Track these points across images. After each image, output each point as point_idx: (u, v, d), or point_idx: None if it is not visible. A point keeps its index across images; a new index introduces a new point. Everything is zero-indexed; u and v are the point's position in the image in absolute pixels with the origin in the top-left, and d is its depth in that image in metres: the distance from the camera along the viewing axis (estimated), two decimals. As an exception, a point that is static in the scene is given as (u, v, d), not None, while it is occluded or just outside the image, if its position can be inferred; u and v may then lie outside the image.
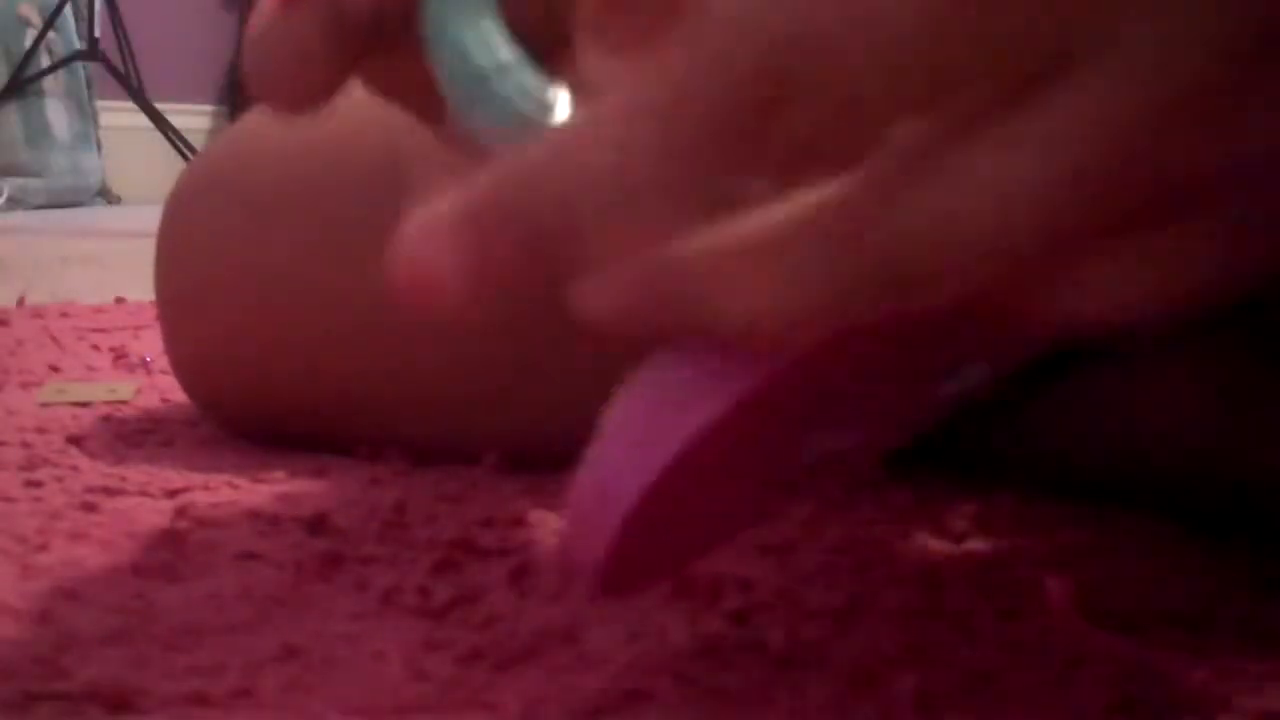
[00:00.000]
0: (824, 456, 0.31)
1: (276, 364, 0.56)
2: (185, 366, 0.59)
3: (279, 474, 0.51)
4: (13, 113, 2.69)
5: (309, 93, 0.31)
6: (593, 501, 0.24)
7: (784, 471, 0.31)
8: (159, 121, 2.64)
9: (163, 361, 0.78)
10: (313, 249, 0.55)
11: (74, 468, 0.52)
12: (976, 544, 0.43)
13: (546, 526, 0.45)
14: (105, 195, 2.94)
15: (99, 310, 1.03)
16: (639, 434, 0.24)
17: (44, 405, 0.65)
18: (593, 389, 0.53)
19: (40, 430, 0.59)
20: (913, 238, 0.21)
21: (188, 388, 0.60)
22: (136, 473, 0.51)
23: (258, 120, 0.59)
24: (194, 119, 3.05)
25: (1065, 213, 0.20)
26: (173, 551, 0.41)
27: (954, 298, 0.21)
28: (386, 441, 0.55)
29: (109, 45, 2.70)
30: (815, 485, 0.36)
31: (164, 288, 0.60)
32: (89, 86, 2.91)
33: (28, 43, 2.71)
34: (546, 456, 0.53)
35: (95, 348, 0.84)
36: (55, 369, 0.76)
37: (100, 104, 2.93)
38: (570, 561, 0.30)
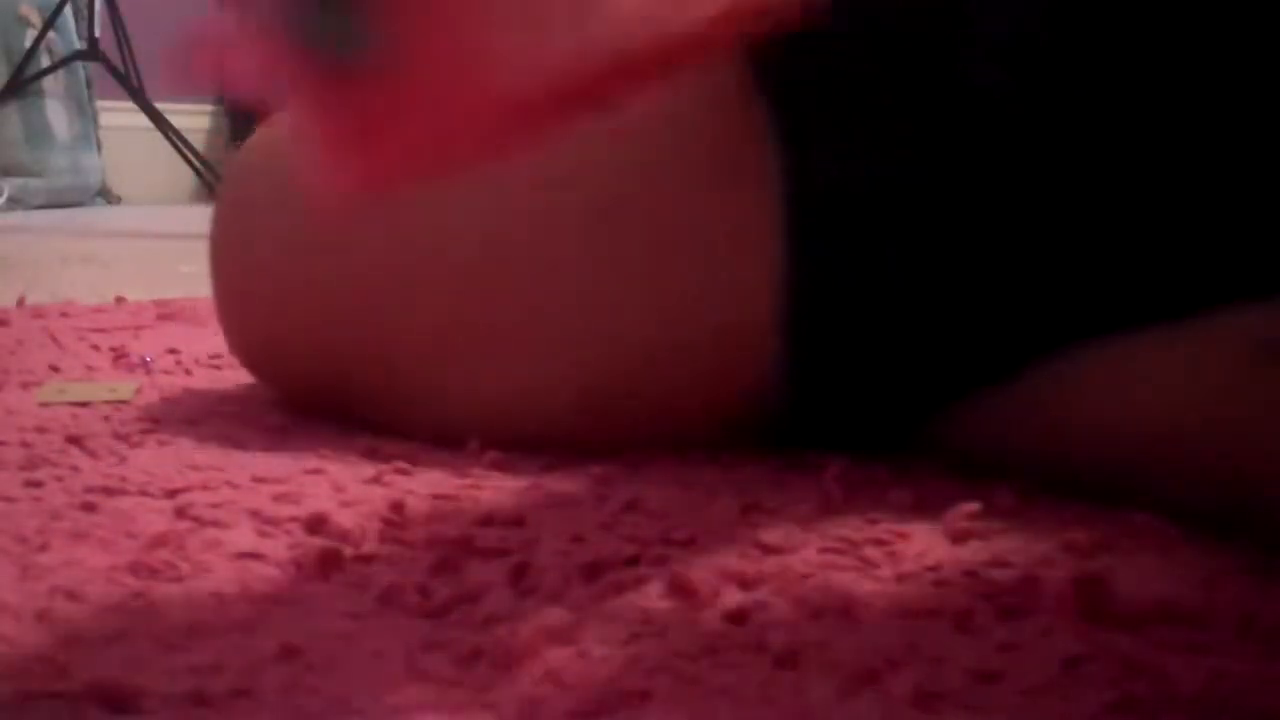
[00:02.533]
0: None
1: (337, 334, 0.58)
2: (247, 347, 0.63)
3: (279, 474, 0.51)
4: (13, 113, 2.68)
5: None
6: None
7: None
8: (159, 121, 2.64)
9: (163, 361, 0.78)
10: (372, 224, 0.56)
11: (74, 468, 0.52)
12: (976, 544, 0.43)
13: (546, 527, 0.45)
14: (105, 195, 2.94)
15: (99, 310, 1.03)
16: None
17: (44, 405, 0.65)
18: (608, 391, 0.53)
19: (40, 430, 0.59)
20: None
21: (250, 367, 0.64)
22: (136, 473, 0.51)
23: None
24: (194, 119, 3.05)
25: None
26: (173, 551, 0.41)
27: None
28: (433, 416, 0.56)
29: (109, 45, 2.69)
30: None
31: (222, 264, 0.62)
32: (89, 86, 2.91)
33: (28, 43, 2.70)
34: (546, 456, 0.53)
35: (95, 348, 0.83)
36: (55, 369, 0.75)
37: (100, 104, 2.93)
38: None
